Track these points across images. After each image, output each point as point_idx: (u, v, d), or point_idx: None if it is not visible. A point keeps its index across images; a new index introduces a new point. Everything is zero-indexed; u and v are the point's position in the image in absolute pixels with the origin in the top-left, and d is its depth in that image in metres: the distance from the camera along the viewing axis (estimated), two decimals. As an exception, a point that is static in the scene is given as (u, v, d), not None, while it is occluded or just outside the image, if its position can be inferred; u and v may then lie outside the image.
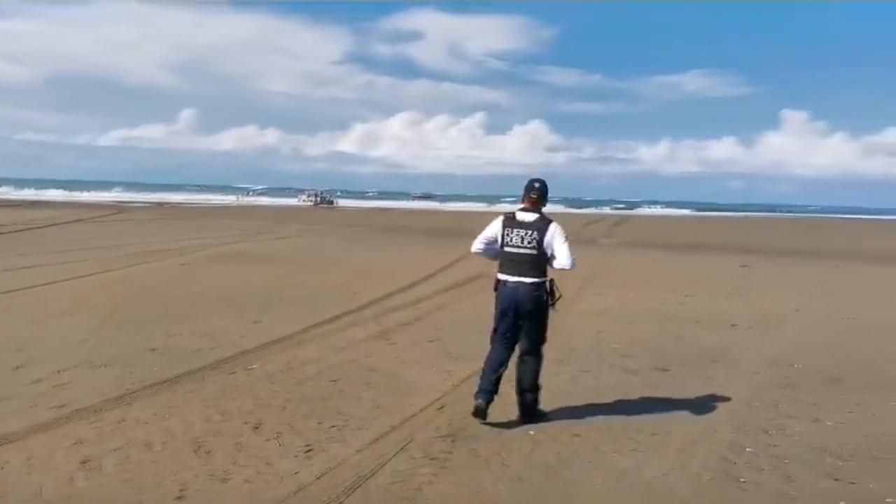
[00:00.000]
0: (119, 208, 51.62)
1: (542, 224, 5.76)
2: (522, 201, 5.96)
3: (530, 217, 5.81)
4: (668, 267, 19.89)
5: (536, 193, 5.87)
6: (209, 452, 5.04)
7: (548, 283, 5.82)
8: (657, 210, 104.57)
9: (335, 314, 10.51)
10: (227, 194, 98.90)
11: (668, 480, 4.81)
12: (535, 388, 5.92)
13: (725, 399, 6.73)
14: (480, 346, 8.55)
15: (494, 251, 5.97)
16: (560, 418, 6.02)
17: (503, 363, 5.86)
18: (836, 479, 4.86)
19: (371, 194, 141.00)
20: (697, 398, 6.73)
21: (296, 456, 5.02)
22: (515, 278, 5.75)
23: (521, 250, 5.74)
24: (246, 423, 5.65)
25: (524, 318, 5.78)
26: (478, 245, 6.08)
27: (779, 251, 27.94)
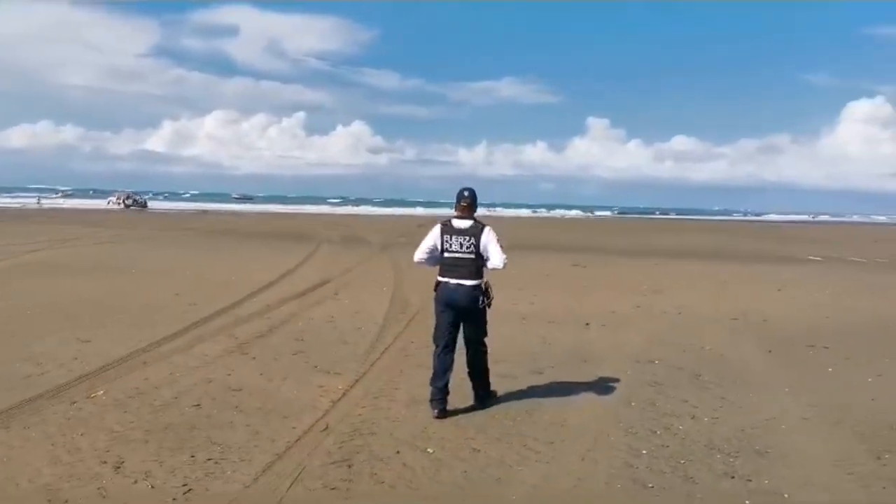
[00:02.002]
0: None
1: (477, 230, 6.19)
2: (455, 209, 6.36)
3: (466, 224, 6.23)
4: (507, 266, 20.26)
5: (466, 201, 6.29)
6: (66, 503, 4.24)
7: (483, 285, 6.22)
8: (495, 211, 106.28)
9: (178, 328, 9.56)
10: (15, 196, 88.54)
11: (581, 492, 4.68)
12: (485, 373, 6.48)
13: (606, 401, 6.79)
14: (348, 357, 8.22)
15: (435, 259, 6.32)
16: (453, 431, 5.75)
17: (450, 367, 6.27)
18: (733, 477, 4.97)
19: (187, 196, 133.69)
20: (581, 402, 6.73)
21: (174, 499, 4.35)
22: (455, 280, 6.17)
23: (461, 255, 6.16)
24: (104, 463, 4.85)
25: (465, 317, 6.25)
26: (420, 255, 6.41)
27: (602, 249, 29.54)
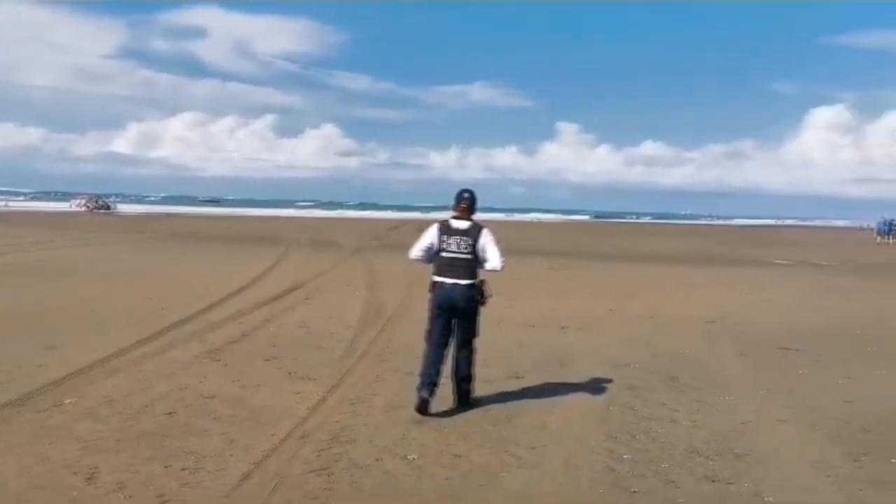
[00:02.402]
0: None
1: (475, 231, 6.32)
2: (454, 210, 6.44)
3: (464, 224, 6.35)
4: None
5: (466, 203, 6.41)
6: (36, 517, 4.11)
7: (478, 284, 6.33)
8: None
9: (148, 334, 9.36)
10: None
11: (565, 498, 4.66)
12: (470, 378, 6.51)
13: (585, 405, 6.78)
14: (324, 363, 8.11)
15: (430, 257, 6.42)
16: (433, 437, 5.69)
17: (442, 359, 6.37)
18: (714, 481, 4.98)
19: (153, 199, 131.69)
20: (560, 406, 6.71)
21: (149, 511, 4.23)
22: (452, 280, 6.27)
23: (457, 255, 6.28)
24: (76, 474, 4.71)
25: (459, 316, 6.34)
26: (416, 252, 6.46)
27: (577, 253, 29.67)
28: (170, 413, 6.10)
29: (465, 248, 6.26)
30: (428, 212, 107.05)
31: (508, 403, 6.72)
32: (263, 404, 6.48)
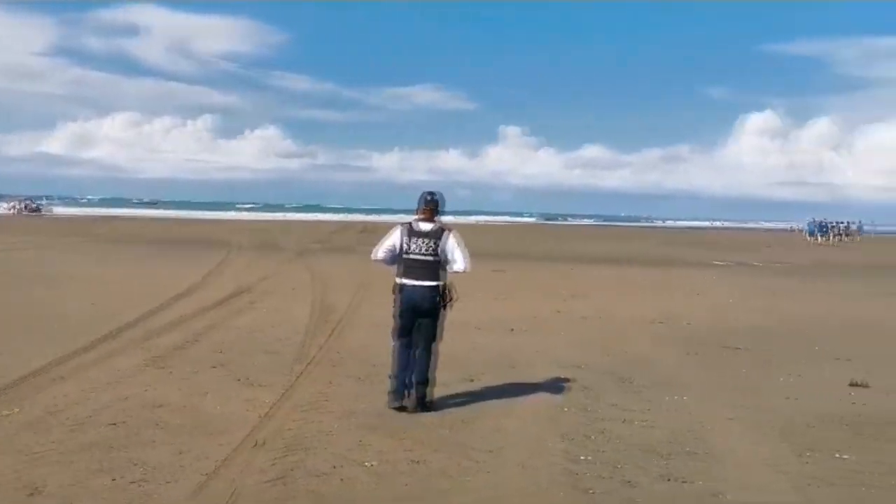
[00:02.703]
0: None
1: (440, 233, 6.42)
2: (418, 212, 6.55)
3: (428, 227, 6.46)
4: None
5: (431, 206, 6.52)
6: (-24, 538, 3.90)
7: (441, 287, 6.43)
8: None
9: (88, 341, 9.02)
10: None
11: (526, 500, 4.66)
12: (426, 381, 6.50)
13: (540, 407, 6.81)
14: (274, 369, 7.95)
15: (394, 258, 6.52)
16: (390, 443, 5.63)
17: (409, 365, 6.48)
18: (669, 480, 5.04)
19: (88, 201, 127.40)
20: (515, 408, 6.73)
21: (98, 527, 4.06)
22: (414, 282, 6.39)
23: (421, 257, 6.38)
24: (19, 489, 4.48)
25: (421, 317, 6.44)
26: (380, 253, 6.60)
27: (521, 255, 29.86)
28: (115, 423, 5.88)
29: (429, 250, 6.36)
30: (369, 214, 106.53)
31: (463, 407, 6.71)
32: (213, 412, 6.31)
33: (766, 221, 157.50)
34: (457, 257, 6.42)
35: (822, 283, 20.93)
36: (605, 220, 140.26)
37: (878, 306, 15.70)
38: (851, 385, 7.85)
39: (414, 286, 6.38)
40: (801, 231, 59.41)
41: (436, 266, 6.39)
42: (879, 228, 62.26)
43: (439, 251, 6.38)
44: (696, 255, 32.89)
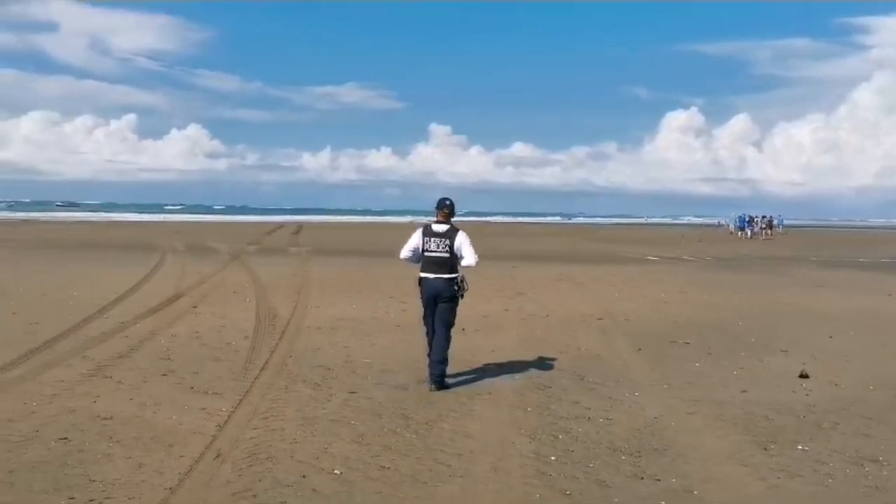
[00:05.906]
0: None
1: (452, 233, 7.44)
2: (436, 215, 7.58)
3: (443, 228, 7.49)
4: (369, 273, 20.03)
5: (447, 209, 7.55)
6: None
7: (458, 278, 7.47)
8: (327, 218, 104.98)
9: (19, 353, 8.51)
10: None
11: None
12: (444, 360, 7.42)
13: (502, 407, 6.77)
14: (226, 376, 7.71)
15: (417, 256, 7.56)
16: (356, 449, 5.49)
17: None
18: (642, 478, 5.07)
19: (2, 204, 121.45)
20: (477, 409, 6.68)
21: (58, 552, 3.81)
22: (434, 275, 7.42)
23: (437, 254, 7.42)
24: (-37, 517, 4.19)
25: (441, 303, 7.45)
26: (405, 253, 7.64)
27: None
28: (64, 438, 5.57)
29: (443, 247, 7.40)
30: (296, 214, 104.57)
31: (425, 411, 6.61)
32: (167, 423, 6.05)
33: (694, 217, 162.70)
34: (465, 253, 7.40)
35: (752, 276, 21.61)
36: (536, 217, 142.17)
37: (805, 296, 16.28)
38: (801, 377, 8.10)
39: (434, 279, 7.38)
40: (727, 226, 61.43)
41: (451, 261, 7.40)
42: (786, 222, 65.28)
43: (453, 248, 7.36)
44: (629, 251, 33.55)
